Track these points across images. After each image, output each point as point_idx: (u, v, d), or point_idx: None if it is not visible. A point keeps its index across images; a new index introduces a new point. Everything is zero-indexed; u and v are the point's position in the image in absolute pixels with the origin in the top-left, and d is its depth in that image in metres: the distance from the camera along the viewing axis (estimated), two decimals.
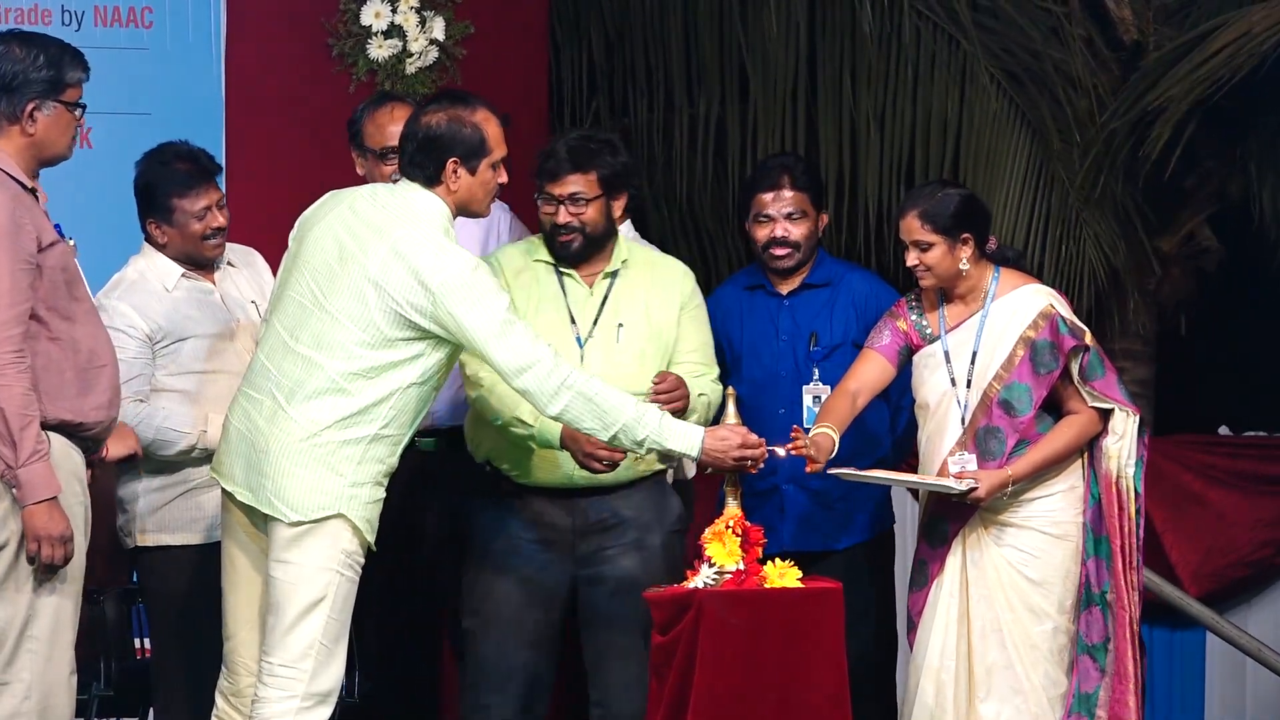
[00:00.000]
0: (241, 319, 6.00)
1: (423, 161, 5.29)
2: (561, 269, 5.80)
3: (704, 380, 5.82)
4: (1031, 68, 8.71)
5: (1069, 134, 8.67)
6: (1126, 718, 5.75)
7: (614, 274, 5.81)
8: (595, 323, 5.77)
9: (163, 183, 6.01)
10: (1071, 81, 8.64)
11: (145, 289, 5.99)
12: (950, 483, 5.70)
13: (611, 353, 5.75)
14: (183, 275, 6.04)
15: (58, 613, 5.06)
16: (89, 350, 5.05)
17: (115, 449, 5.51)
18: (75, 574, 5.11)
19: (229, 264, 6.09)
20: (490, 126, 5.33)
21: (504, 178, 5.38)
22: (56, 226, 5.15)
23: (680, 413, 5.64)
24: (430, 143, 5.29)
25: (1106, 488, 5.76)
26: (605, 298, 5.79)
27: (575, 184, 5.71)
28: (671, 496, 5.87)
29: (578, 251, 5.76)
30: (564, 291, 5.79)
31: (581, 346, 5.75)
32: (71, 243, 5.24)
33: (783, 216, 6.15)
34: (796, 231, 6.16)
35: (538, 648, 5.77)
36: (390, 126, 6.11)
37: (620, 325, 5.77)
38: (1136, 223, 8.75)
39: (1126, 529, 5.76)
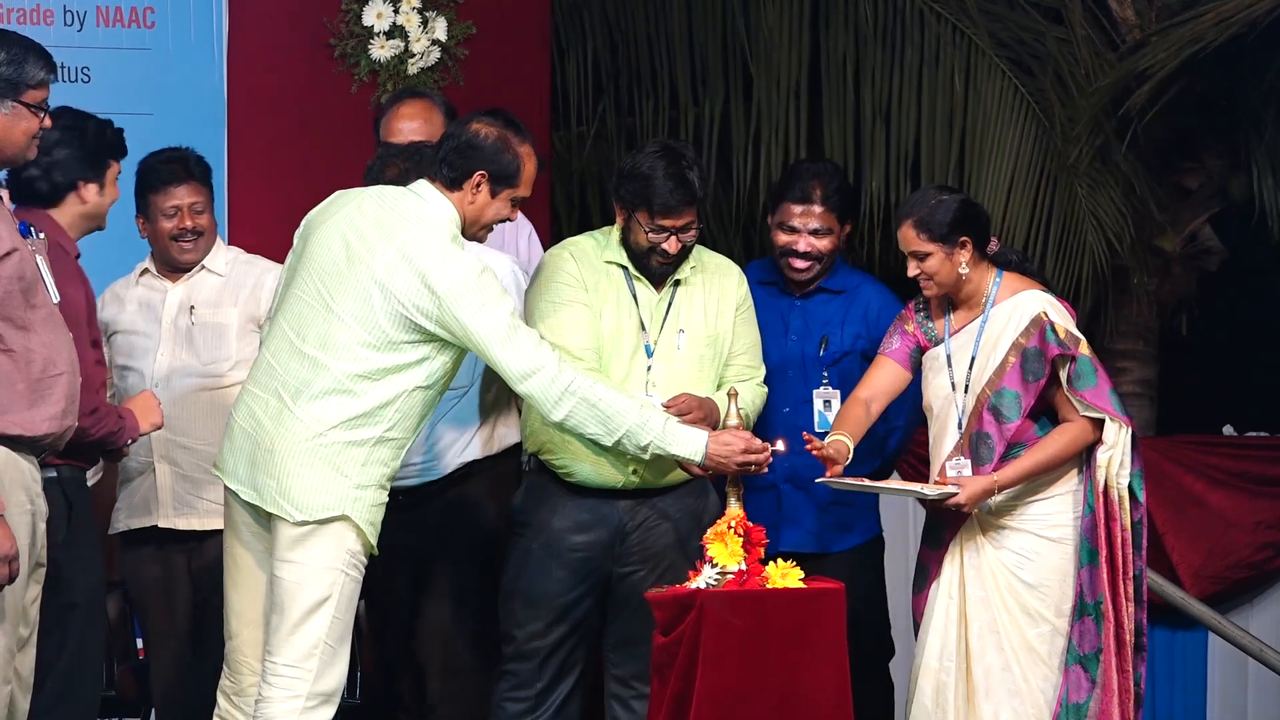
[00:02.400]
0: (166, 325, 6.05)
1: (455, 162, 5.30)
2: (633, 273, 5.82)
3: (750, 384, 5.84)
4: (1037, 51, 8.71)
5: (1075, 116, 8.67)
6: None
7: (680, 280, 5.84)
8: (661, 330, 5.79)
9: (144, 176, 6.13)
10: (1075, 66, 8.64)
11: (120, 281, 6.23)
12: (924, 489, 5.70)
13: (673, 359, 5.78)
14: (143, 272, 6.18)
15: None
16: (44, 360, 4.94)
17: (142, 424, 5.52)
18: (14, 585, 4.95)
19: (209, 270, 6.13)
20: (530, 164, 5.36)
21: (514, 216, 5.41)
22: (21, 225, 5.10)
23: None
24: (470, 149, 5.30)
25: (1099, 497, 5.75)
26: (670, 305, 5.82)
27: (689, 215, 5.75)
28: (711, 497, 5.88)
29: (669, 271, 5.81)
30: (635, 298, 5.81)
31: (650, 356, 5.76)
32: (42, 236, 5.19)
33: (807, 231, 6.14)
34: (818, 246, 6.14)
35: (569, 626, 5.80)
36: (396, 123, 6.17)
37: (681, 332, 5.80)
38: (1148, 199, 8.75)
39: (1117, 539, 5.74)
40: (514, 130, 5.36)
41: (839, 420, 5.85)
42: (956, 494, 5.65)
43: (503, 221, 5.42)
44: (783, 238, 6.16)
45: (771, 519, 5.99)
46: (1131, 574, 5.74)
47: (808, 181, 6.17)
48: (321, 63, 7.51)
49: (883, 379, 5.87)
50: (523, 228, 6.47)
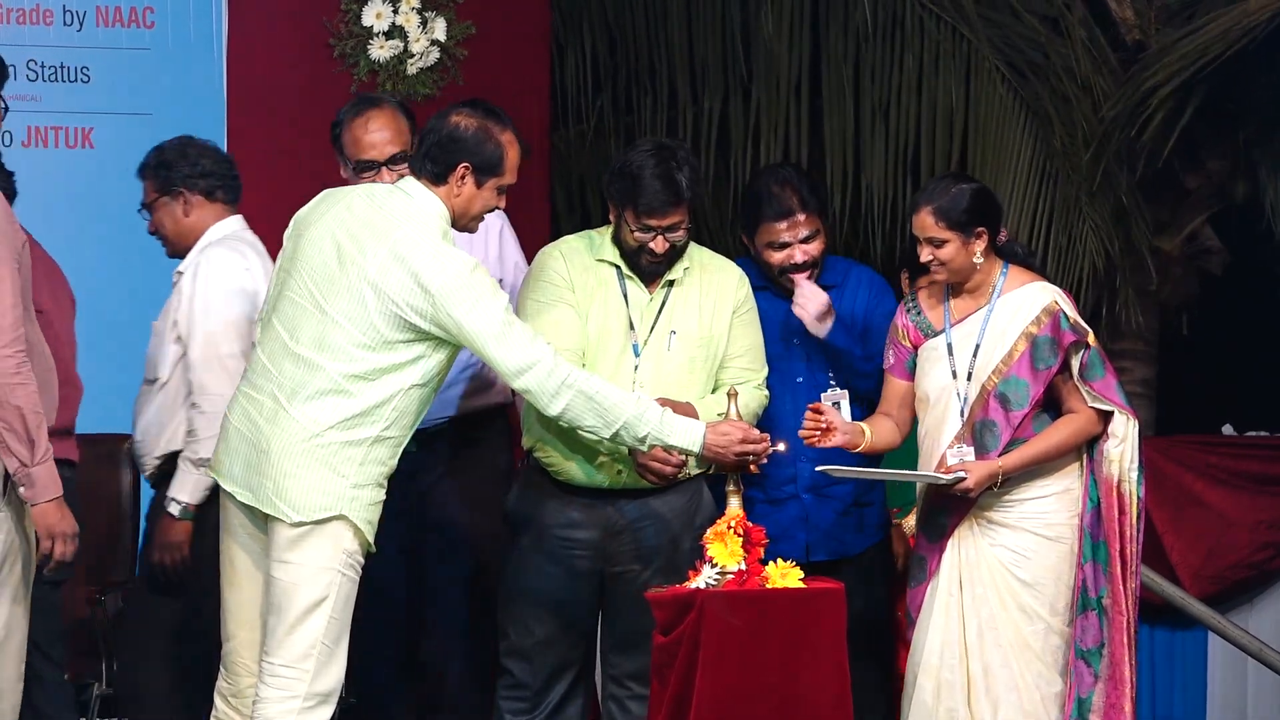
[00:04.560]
0: None
1: (438, 157, 5.29)
2: (625, 273, 5.81)
3: (747, 387, 5.81)
4: (1035, 60, 8.72)
5: (1072, 126, 8.68)
6: None
7: (674, 281, 5.82)
8: (651, 330, 5.78)
9: None
10: (1074, 76, 8.65)
11: None
12: (938, 475, 5.70)
13: (662, 360, 5.76)
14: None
15: (10, 615, 5.07)
16: (40, 354, 5.06)
17: None
18: (30, 579, 5.11)
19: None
20: (512, 151, 5.34)
21: (502, 203, 5.39)
22: None
23: None
24: (451, 142, 5.30)
25: (1107, 492, 5.75)
26: (662, 305, 5.81)
27: (677, 215, 5.72)
28: (705, 499, 5.88)
29: (660, 270, 5.79)
30: (625, 297, 5.80)
31: (638, 355, 5.76)
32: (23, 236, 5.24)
33: (799, 242, 6.02)
34: (814, 251, 6.03)
35: (563, 625, 5.82)
36: (365, 138, 6.00)
37: (673, 333, 5.78)
38: (1141, 218, 8.75)
39: (1127, 534, 5.75)
40: (494, 119, 5.35)
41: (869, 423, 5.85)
42: (965, 479, 5.65)
43: (491, 210, 5.41)
44: (776, 256, 6.02)
45: (797, 530, 5.98)
46: (1135, 570, 5.75)
47: (780, 192, 6.03)
48: (321, 63, 7.52)
49: (891, 394, 5.88)
50: (492, 230, 6.28)
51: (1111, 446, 5.74)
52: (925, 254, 5.76)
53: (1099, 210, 8.67)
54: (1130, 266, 8.77)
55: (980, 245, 5.75)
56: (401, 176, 5.79)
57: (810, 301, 5.98)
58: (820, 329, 5.99)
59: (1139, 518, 5.76)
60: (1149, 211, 8.82)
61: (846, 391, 6.02)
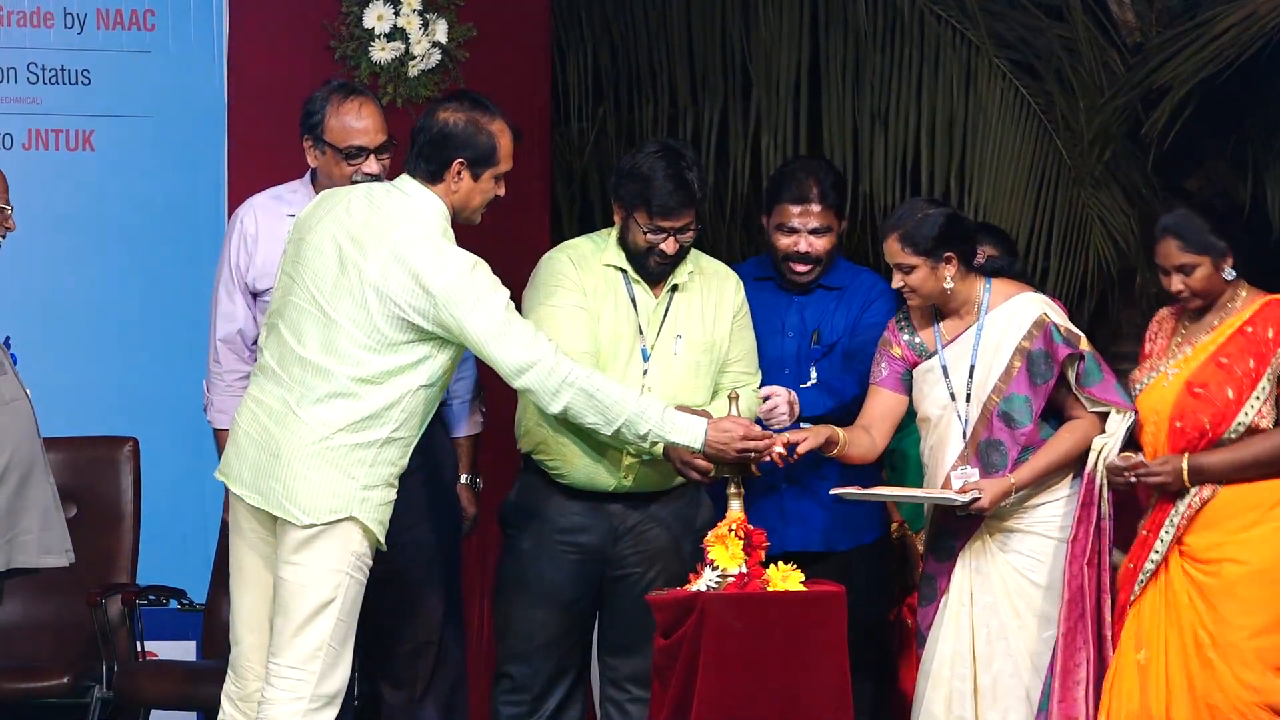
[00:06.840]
0: None
1: (431, 155, 5.29)
2: (632, 277, 5.82)
3: (745, 390, 5.83)
4: (1038, 48, 8.71)
5: (1075, 121, 8.68)
6: (1076, 717, 5.71)
7: (678, 285, 5.83)
8: (658, 334, 5.79)
9: None
10: (1079, 60, 8.64)
11: None
12: (953, 495, 5.69)
13: (669, 364, 5.78)
14: None
15: None
16: None
17: None
18: None
19: None
20: (504, 139, 5.34)
21: (503, 191, 5.38)
22: None
23: None
24: (443, 139, 5.29)
25: (1086, 482, 5.74)
26: (667, 309, 5.82)
27: (688, 215, 5.74)
28: (704, 503, 5.88)
29: (666, 272, 5.80)
30: (634, 302, 5.81)
31: (646, 360, 5.77)
32: None
33: (807, 231, 6.07)
34: (820, 246, 6.06)
35: (563, 628, 5.82)
36: (359, 124, 5.92)
37: (679, 337, 5.80)
38: (1152, 200, 8.75)
39: (1098, 525, 5.72)
40: (482, 110, 5.34)
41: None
42: (980, 498, 5.65)
43: (494, 200, 5.39)
44: (783, 240, 6.09)
45: (775, 519, 5.98)
46: (1097, 563, 5.73)
47: (804, 180, 6.10)
48: (322, 65, 7.49)
49: (876, 407, 5.86)
50: None
51: (1097, 439, 5.75)
52: (896, 280, 5.77)
53: (1104, 204, 8.67)
54: (1136, 266, 8.77)
55: (950, 270, 5.75)
56: (385, 165, 5.81)
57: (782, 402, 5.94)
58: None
59: (1107, 505, 5.72)
60: (1155, 199, 8.82)
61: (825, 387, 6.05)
